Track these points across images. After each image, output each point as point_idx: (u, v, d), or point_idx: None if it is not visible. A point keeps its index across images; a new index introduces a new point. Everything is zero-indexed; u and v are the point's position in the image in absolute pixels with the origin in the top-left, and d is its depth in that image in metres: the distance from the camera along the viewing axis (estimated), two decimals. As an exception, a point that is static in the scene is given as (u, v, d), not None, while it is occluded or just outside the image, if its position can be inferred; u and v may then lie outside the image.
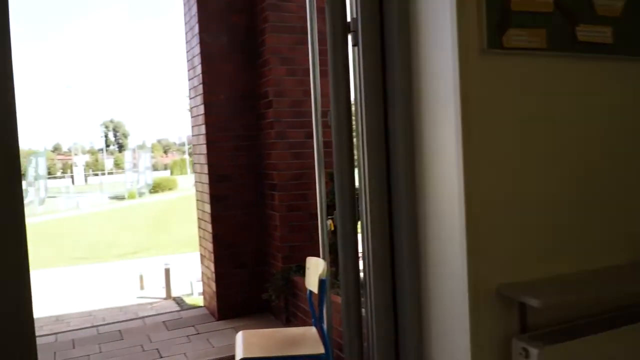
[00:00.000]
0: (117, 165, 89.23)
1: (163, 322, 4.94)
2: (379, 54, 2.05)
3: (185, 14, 5.07)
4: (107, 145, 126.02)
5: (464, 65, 1.79)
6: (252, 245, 4.81)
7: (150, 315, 5.55)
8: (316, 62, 3.21)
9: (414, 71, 1.98)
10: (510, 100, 1.88)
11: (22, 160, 53.69)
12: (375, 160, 2.10)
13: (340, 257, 2.24)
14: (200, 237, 5.17)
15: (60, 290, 13.37)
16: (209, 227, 4.72)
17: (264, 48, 4.75)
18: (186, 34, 5.02)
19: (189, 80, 5.04)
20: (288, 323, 4.60)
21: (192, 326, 4.73)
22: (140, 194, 53.42)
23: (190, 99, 5.02)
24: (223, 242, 4.73)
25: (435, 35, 1.86)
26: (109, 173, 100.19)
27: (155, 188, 55.27)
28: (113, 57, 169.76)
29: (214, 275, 4.73)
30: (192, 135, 5.05)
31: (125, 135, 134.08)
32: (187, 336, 4.57)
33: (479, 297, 1.84)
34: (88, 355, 4.32)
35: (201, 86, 4.65)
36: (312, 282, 3.03)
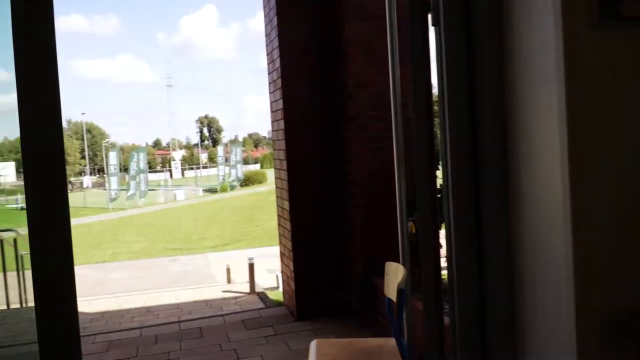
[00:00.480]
0: (212, 159, 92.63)
1: (242, 320, 4.86)
2: (462, 33, 1.75)
3: (264, 7, 4.95)
4: (202, 140, 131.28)
5: (569, 41, 1.46)
6: (332, 244, 4.61)
7: (230, 313, 5.51)
8: (395, 49, 2.94)
9: (506, 51, 1.67)
10: (628, 83, 1.52)
11: (125, 155, 56.91)
12: (460, 155, 1.81)
13: (421, 264, 1.98)
14: (279, 234, 5.04)
15: (154, 280, 13.93)
16: (288, 225, 4.58)
17: (344, 38, 4.51)
18: (265, 26, 4.88)
19: (269, 74, 4.90)
20: (369, 328, 4.36)
21: (271, 326, 4.62)
22: (232, 187, 55.15)
23: (270, 93, 4.89)
24: (302, 240, 4.56)
25: (533, 6, 1.54)
26: (203, 167, 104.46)
27: (246, 181, 56.81)
28: (209, 56, 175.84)
29: (293, 274, 4.58)
30: (272, 130, 4.92)
31: (219, 130, 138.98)
32: (265, 337, 4.46)
33: (588, 323, 1.51)
34: (168, 352, 4.31)
35: (280, 80, 4.50)
36: (391, 290, 2.78)
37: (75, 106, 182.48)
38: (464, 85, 1.77)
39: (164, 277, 14.18)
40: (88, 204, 49.57)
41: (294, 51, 4.52)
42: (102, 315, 6.55)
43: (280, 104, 4.54)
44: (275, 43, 4.51)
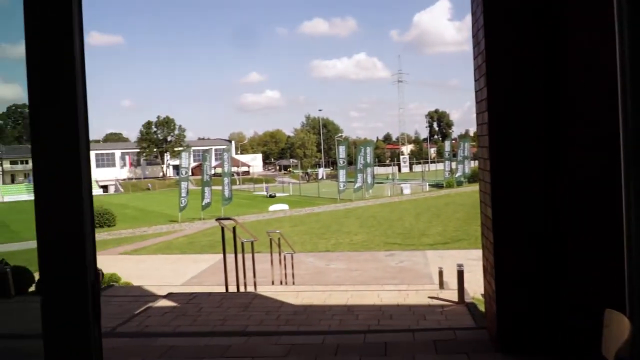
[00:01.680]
0: (440, 154, 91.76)
1: (434, 341, 4.29)
2: None
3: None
4: (431, 135, 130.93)
5: None
6: (546, 263, 3.76)
7: (422, 330, 4.96)
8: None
9: None
10: None
11: (353, 149, 59.14)
12: None
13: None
14: (482, 245, 4.34)
15: (369, 274, 13.98)
16: (491, 236, 3.86)
17: (565, 9, 3.62)
18: (472, 3, 4.20)
19: (474, 59, 4.21)
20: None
21: (465, 354, 3.97)
22: (459, 183, 53.76)
23: (475, 81, 4.21)
24: (507, 256, 3.81)
25: None
26: (431, 161, 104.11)
27: (474, 177, 54.75)
28: (440, 50, 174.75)
29: (494, 294, 3.86)
30: (477, 124, 4.23)
31: (448, 125, 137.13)
32: (457, 366, 3.82)
33: None
34: (345, 366, 3.97)
35: (484, 65, 3.79)
36: (609, 349, 1.98)
37: (314, 103, 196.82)
38: None
39: (379, 272, 14.15)
40: (321, 194, 52.94)
41: (503, 28, 3.75)
42: (305, 309, 6.53)
43: (484, 93, 3.83)
44: (481, 21, 3.80)
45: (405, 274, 13.45)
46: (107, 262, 17.63)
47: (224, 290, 8.26)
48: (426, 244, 18.77)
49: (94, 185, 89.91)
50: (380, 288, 9.16)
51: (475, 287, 7.93)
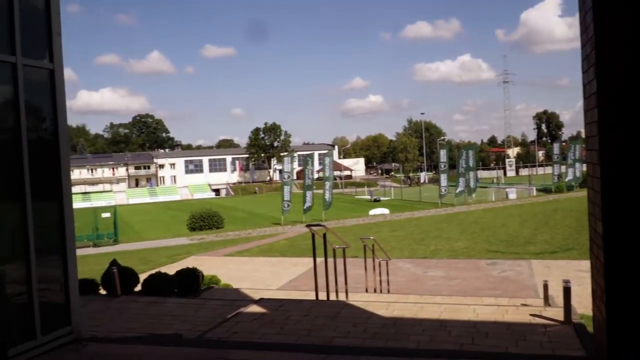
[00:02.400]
0: (548, 157, 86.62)
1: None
2: None
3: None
4: (539, 137, 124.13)
5: None
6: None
7: (519, 356, 4.35)
8: None
9: None
10: None
11: (456, 153, 57.21)
12: None
13: None
14: (591, 264, 3.68)
15: (468, 283, 13.15)
16: (601, 255, 3.24)
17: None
18: (579, -15, 3.58)
19: (582, 47, 3.59)
20: None
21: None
22: (569, 188, 50.25)
23: (583, 73, 3.59)
24: (622, 280, 3.16)
25: None
26: (539, 165, 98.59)
27: (585, 181, 50.95)
28: (549, 48, 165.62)
29: (605, 322, 3.22)
30: (585, 124, 3.61)
31: (558, 127, 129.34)
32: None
33: None
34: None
35: (594, 53, 3.18)
36: None
37: (416, 107, 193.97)
38: None
39: (479, 282, 13.28)
40: (423, 199, 51.72)
41: (615, 7, 3.10)
42: (395, 322, 6.10)
43: (593, 86, 3.22)
44: (589, 2, 3.19)
45: (508, 285, 12.51)
46: (212, 263, 18.12)
47: (314, 298, 8.00)
48: (532, 253, 17.50)
49: (207, 188, 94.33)
50: (478, 302, 8.49)
51: (587, 302, 7.07)
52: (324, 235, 8.05)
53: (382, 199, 55.22)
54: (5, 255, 3.70)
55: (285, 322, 6.19)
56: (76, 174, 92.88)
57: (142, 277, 9.32)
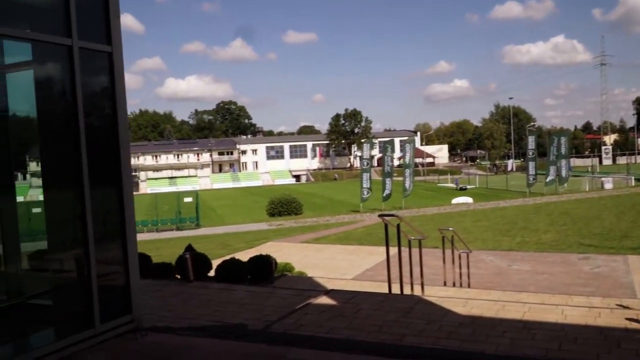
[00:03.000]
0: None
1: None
2: None
3: None
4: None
5: None
6: None
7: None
8: None
9: None
10: None
11: (545, 139, 54.54)
12: None
13: None
14: None
15: (557, 279, 12.33)
16: None
17: None
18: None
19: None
20: None
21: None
22: (673, 178, 46.47)
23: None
24: None
25: None
26: (639, 153, 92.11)
27: (694, 171, 46.96)
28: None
29: None
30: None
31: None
32: None
33: None
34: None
35: None
36: None
37: (504, 91, 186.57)
38: None
39: (569, 277, 12.42)
40: (509, 187, 49.71)
41: None
42: (473, 321, 5.73)
43: None
44: None
45: (601, 282, 11.61)
46: (289, 250, 18.20)
47: (387, 291, 7.72)
48: (629, 248, 16.20)
49: (287, 174, 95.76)
50: (566, 301, 7.88)
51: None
52: (398, 225, 7.73)
53: (466, 187, 53.60)
54: (64, 242, 3.72)
55: (355, 316, 5.96)
56: (163, 159, 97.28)
57: (217, 262, 9.41)
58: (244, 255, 14.79)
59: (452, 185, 59.78)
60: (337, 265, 14.98)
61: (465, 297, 7.71)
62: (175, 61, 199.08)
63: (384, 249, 7.81)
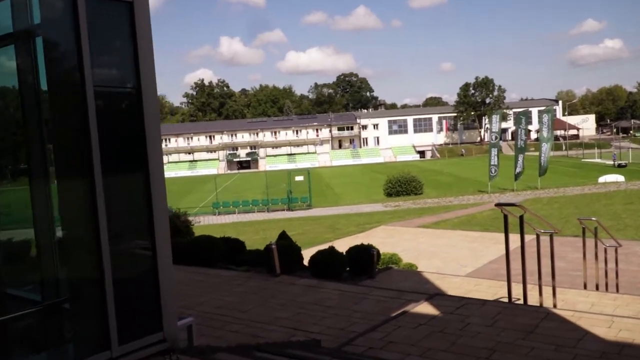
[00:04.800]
0: None
1: None
2: None
3: None
4: None
5: None
6: None
7: None
8: None
9: None
10: None
11: None
12: None
13: None
14: None
15: None
16: None
17: None
18: None
19: None
20: None
21: None
22: None
23: None
24: None
25: None
26: None
27: None
28: None
29: None
30: None
31: None
32: None
33: None
34: None
35: None
36: None
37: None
38: None
39: None
40: (671, 163, 44.43)
41: None
42: (620, 350, 4.53)
43: None
44: None
45: None
46: (402, 235, 17.25)
47: (506, 300, 6.56)
48: None
49: (411, 150, 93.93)
50: None
51: None
52: (520, 218, 6.51)
53: (626, 164, 48.57)
54: (70, 242, 3.14)
55: (460, 334, 4.96)
56: (282, 135, 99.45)
57: (316, 250, 8.74)
58: (352, 240, 14.11)
59: (600, 160, 54.73)
60: (456, 255, 13.83)
61: (612, 309, 6.35)
62: (296, 33, 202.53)
63: (512, 236, 6.67)
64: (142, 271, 3.52)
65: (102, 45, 3.32)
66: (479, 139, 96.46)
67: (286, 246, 8.20)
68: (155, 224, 3.46)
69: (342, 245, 9.80)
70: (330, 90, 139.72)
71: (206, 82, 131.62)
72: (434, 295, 6.47)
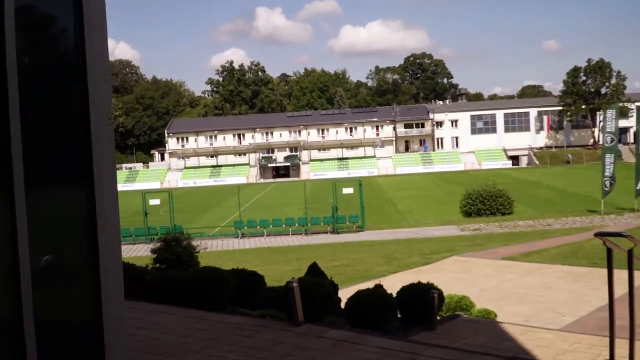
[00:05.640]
0: None
1: None
2: None
3: None
4: None
5: None
6: None
7: None
8: None
9: None
10: None
11: None
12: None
13: None
14: None
15: None
16: None
17: None
18: None
19: None
20: None
21: None
22: None
23: None
24: None
25: None
26: None
27: None
28: None
29: None
30: None
31: None
32: None
33: None
34: None
35: None
36: None
37: None
38: None
39: None
40: None
41: None
42: None
43: None
44: None
45: None
46: (480, 270, 16.87)
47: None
48: None
49: (501, 155, 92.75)
50: None
51: None
52: (629, 252, 6.16)
53: None
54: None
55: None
56: (332, 134, 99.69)
57: (355, 289, 8.50)
58: (412, 276, 13.82)
59: None
60: (553, 299, 13.39)
61: None
62: (354, 3, 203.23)
63: (620, 274, 6.42)
64: (79, 317, 3.36)
65: (26, 16, 3.17)
66: (591, 140, 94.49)
67: (313, 284, 7.95)
68: (100, 253, 3.30)
69: (398, 283, 9.59)
70: (396, 76, 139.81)
71: (236, 65, 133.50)
72: (512, 358, 6.15)
